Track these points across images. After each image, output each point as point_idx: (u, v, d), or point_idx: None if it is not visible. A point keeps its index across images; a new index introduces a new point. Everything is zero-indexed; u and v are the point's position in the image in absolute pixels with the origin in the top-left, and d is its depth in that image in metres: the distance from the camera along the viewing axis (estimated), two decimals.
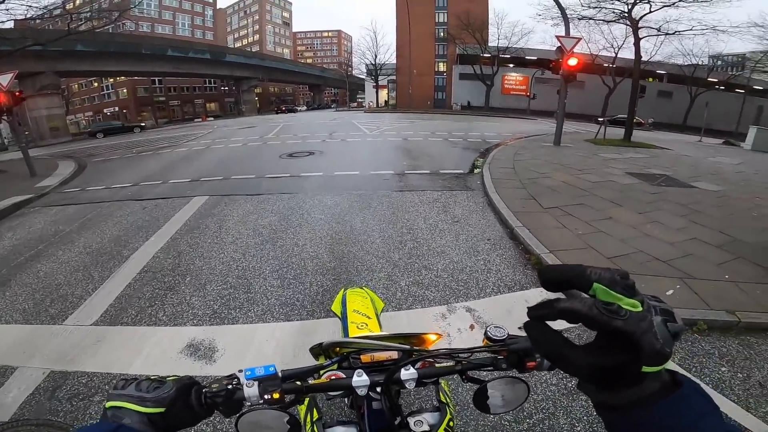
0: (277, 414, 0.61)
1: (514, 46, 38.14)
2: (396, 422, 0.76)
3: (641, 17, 13.80)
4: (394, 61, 49.75)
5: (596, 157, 9.78)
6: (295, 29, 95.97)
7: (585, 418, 1.96)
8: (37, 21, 17.27)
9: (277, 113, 50.37)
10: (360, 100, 69.00)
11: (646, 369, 0.37)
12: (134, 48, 35.87)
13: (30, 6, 14.47)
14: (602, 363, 0.38)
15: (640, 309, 0.37)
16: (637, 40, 14.04)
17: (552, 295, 0.41)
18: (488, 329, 0.72)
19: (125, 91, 50.92)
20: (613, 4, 13.85)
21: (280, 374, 0.65)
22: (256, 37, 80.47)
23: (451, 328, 2.75)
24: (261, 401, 0.61)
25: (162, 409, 0.56)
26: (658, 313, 0.38)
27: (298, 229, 4.77)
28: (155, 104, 53.10)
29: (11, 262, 4.27)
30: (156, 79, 51.27)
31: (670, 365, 0.29)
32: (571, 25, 12.64)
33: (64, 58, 28.65)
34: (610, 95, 28.49)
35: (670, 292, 3.07)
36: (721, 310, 2.80)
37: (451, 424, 0.83)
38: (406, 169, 8.16)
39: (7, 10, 13.86)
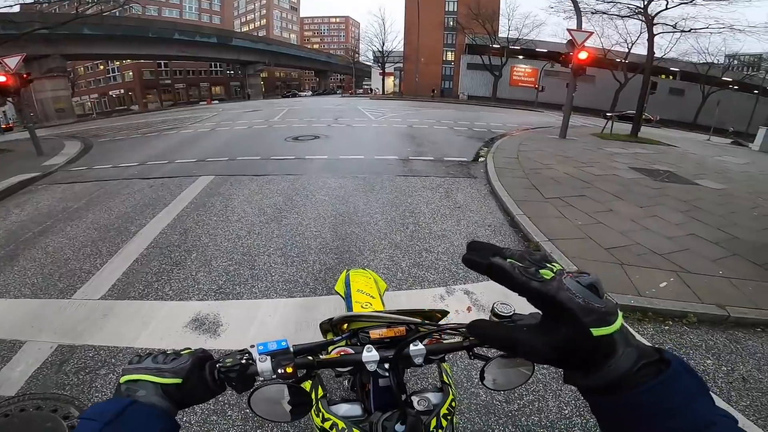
0: (289, 389, 0.61)
1: (525, 37, 37.40)
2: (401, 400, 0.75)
3: (657, 13, 13.51)
4: (402, 49, 49.01)
5: (601, 151, 9.74)
6: (302, 14, 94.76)
7: (573, 402, 2.02)
8: (44, 5, 17.00)
9: (283, 97, 50.43)
10: (366, 86, 68.36)
11: (596, 332, 0.38)
12: (141, 32, 35.58)
13: None
14: (553, 336, 0.40)
15: (552, 275, 0.40)
16: (651, 37, 13.77)
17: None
18: (495, 305, 0.67)
19: (131, 74, 50.72)
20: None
21: (291, 349, 0.64)
22: (263, 21, 79.39)
23: (449, 309, 2.82)
24: (274, 375, 0.61)
25: (179, 380, 0.55)
26: (569, 276, 0.40)
27: (303, 209, 4.84)
28: (161, 87, 52.98)
29: (19, 237, 4.31)
30: (162, 62, 50.99)
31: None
32: (583, 18, 12.36)
33: (71, 42, 28.68)
34: (620, 90, 28.07)
35: (664, 284, 3.11)
36: (711, 304, 2.83)
37: (453, 404, 0.83)
38: (411, 155, 8.17)
39: None
